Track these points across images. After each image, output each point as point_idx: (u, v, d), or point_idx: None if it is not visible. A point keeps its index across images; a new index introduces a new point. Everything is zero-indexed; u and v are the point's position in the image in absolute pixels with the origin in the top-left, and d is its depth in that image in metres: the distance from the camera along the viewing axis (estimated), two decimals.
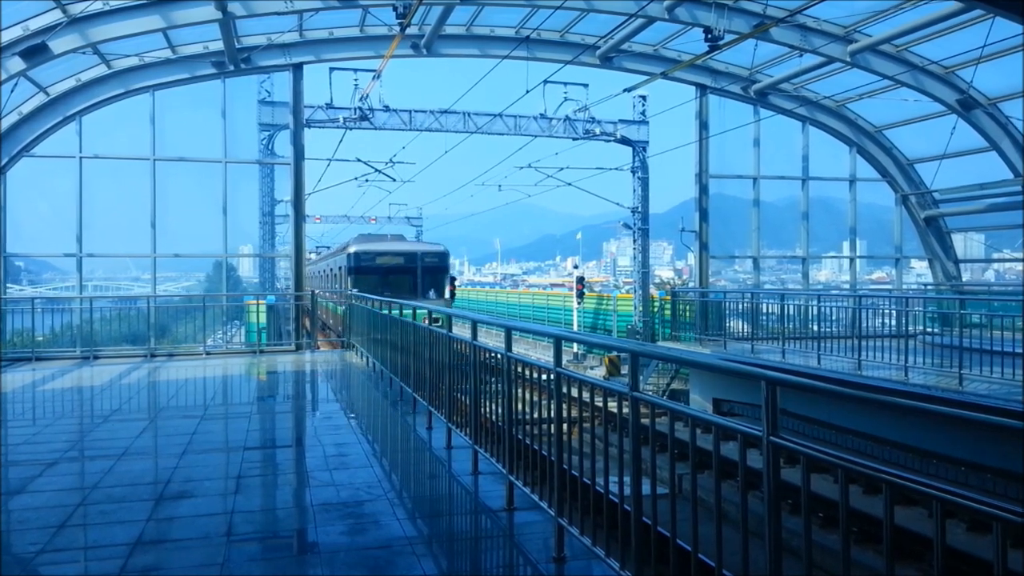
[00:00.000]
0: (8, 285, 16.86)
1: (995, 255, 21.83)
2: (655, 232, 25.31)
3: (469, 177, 36.59)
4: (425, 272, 23.53)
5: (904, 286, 21.31)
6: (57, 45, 13.47)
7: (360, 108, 21.23)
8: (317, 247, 45.27)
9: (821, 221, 21.31)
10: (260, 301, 18.07)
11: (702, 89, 19.16)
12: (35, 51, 13.25)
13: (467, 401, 6.32)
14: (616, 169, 25.71)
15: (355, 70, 20.27)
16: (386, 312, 10.88)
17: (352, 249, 23.76)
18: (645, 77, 18.19)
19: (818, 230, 21.13)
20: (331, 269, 27.56)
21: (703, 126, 19.25)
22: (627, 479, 3.67)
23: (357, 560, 4.49)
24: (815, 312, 14.97)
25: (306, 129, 18.21)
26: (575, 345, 24.64)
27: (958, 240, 20.47)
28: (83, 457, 7.26)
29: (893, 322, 14.16)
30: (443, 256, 24.56)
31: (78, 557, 4.68)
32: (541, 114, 22.46)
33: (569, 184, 28.42)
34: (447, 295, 24.13)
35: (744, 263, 21.40)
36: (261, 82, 19.01)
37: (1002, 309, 14.81)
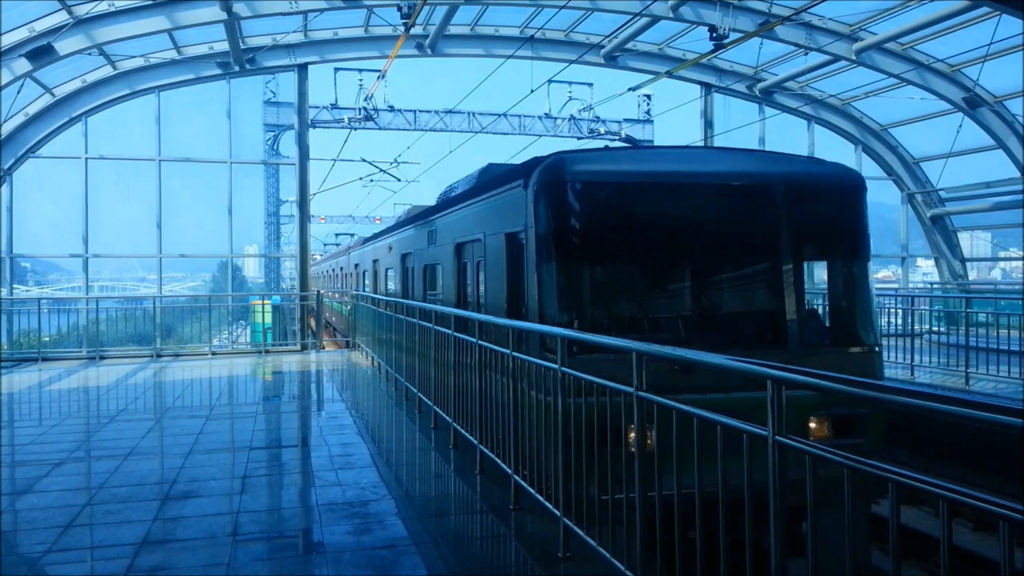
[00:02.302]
0: (14, 286, 16.93)
1: (1002, 253, 21.74)
2: None
3: None
4: (818, 250, 7.17)
5: (910, 285, 21.24)
6: (63, 46, 13.52)
7: (365, 108, 21.25)
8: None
9: None
10: (265, 301, 18.11)
11: (707, 88, 19.13)
12: (41, 52, 13.30)
13: (472, 400, 6.32)
14: None
15: (360, 70, 20.30)
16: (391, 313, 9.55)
17: (556, 171, 6.37)
18: (650, 76, 18.18)
19: None
20: (418, 252, 10.98)
21: (708, 125, 19.22)
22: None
23: (363, 560, 4.50)
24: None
25: (311, 129, 18.25)
26: None
27: (964, 238, 20.40)
28: (89, 457, 7.27)
29: (899, 321, 14.12)
30: (854, 196, 6.98)
31: (84, 557, 4.69)
32: (546, 113, 22.46)
33: None
34: (876, 336, 6.84)
35: None
36: (266, 83, 19.09)
37: (1009, 308, 14.76)
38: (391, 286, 13.72)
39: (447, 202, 9.88)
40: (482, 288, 7.76)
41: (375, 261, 15.63)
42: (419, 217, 11.47)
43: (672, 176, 6.71)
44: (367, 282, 16.87)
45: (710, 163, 7.05)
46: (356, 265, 18.86)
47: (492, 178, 8.08)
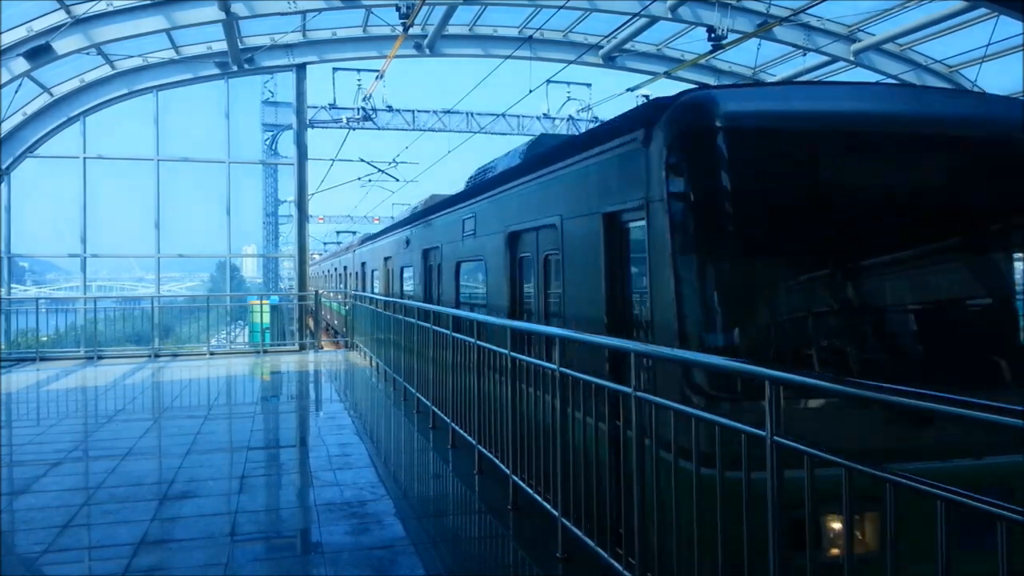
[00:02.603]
0: (12, 285, 16.91)
1: None
2: None
3: None
4: None
5: None
6: (61, 46, 13.51)
7: (363, 108, 21.27)
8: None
9: None
10: (264, 301, 18.09)
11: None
12: (39, 52, 13.29)
13: (471, 401, 6.32)
14: None
15: (358, 70, 20.32)
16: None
17: (702, 112, 3.89)
18: (648, 77, 18.19)
19: None
20: (447, 246, 8.80)
21: None
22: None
23: (361, 560, 4.49)
24: None
25: (309, 129, 18.24)
26: None
27: None
28: (87, 457, 7.27)
29: None
30: None
31: (82, 557, 4.69)
32: (544, 114, 22.48)
33: None
34: None
35: None
36: (265, 82, 19.07)
37: None
38: (408, 287, 11.52)
39: (489, 182, 7.51)
40: (556, 291, 5.48)
41: (387, 259, 13.47)
42: (446, 204, 9.19)
43: (889, 121, 4.10)
44: (376, 284, 14.57)
45: (921, 104, 4.42)
46: (363, 264, 16.82)
47: (575, 140, 5.77)
